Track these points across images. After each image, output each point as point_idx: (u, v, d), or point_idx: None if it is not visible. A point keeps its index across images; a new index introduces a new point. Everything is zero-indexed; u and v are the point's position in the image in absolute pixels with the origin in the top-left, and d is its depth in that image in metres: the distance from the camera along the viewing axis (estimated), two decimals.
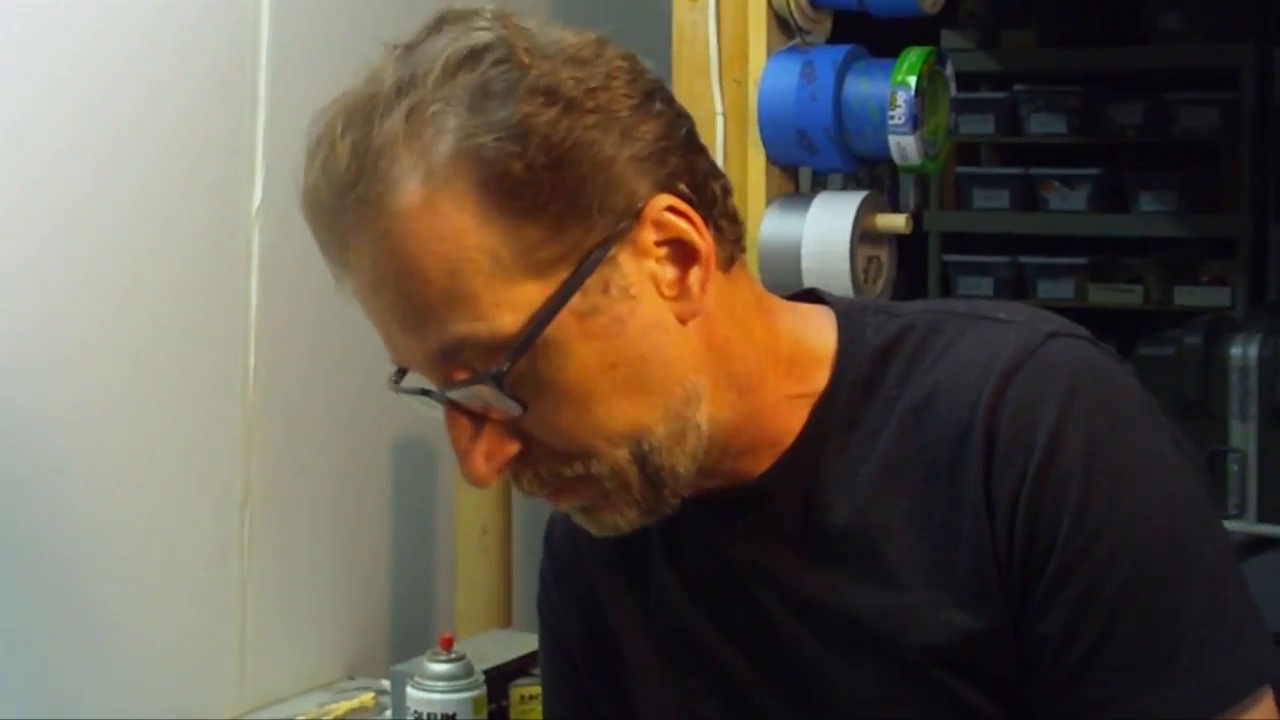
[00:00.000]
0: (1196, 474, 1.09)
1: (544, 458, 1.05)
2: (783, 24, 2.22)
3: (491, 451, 1.04)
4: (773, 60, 2.20)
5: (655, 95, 1.07)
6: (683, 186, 1.06)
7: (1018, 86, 4.92)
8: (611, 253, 1.03)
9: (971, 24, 4.90)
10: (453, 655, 1.88)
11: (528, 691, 2.08)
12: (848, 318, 1.15)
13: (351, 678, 2.47)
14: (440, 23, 1.06)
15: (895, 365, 1.11)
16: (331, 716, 2.27)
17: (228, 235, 2.28)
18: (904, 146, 2.12)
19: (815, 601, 1.12)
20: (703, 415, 1.07)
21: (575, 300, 1.02)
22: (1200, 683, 1.02)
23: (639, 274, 1.04)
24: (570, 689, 1.28)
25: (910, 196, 4.74)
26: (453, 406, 1.04)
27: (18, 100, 1.97)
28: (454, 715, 1.84)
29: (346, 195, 1.03)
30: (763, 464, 1.13)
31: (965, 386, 1.07)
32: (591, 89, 1.03)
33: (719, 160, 2.19)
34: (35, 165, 2.00)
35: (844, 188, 2.28)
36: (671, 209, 1.05)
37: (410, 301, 1.02)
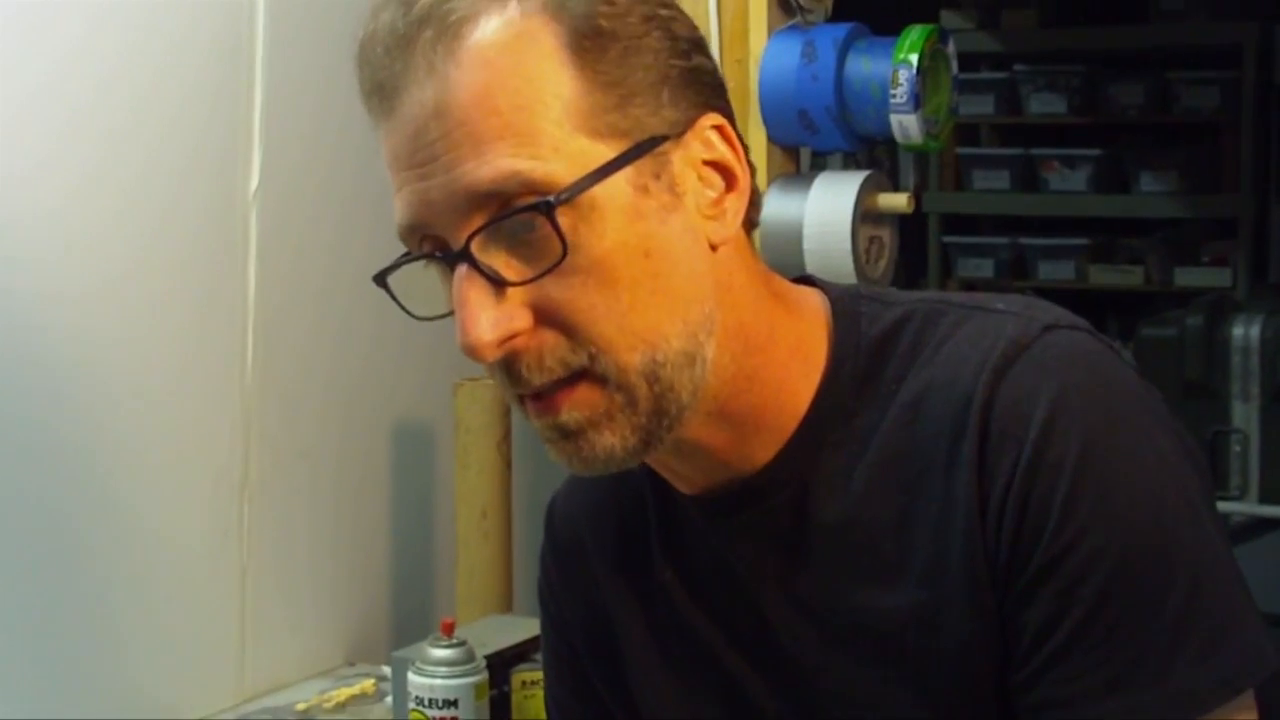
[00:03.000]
0: (1193, 470, 1.06)
1: (552, 344, 1.01)
2: (783, 3, 2.20)
3: (499, 319, 1.01)
4: (773, 39, 2.19)
5: (701, 44, 1.09)
6: (730, 118, 1.08)
7: (1018, 66, 4.90)
8: (666, 147, 1.03)
9: (972, 4, 4.88)
10: (454, 640, 1.87)
11: (529, 677, 2.07)
12: (842, 305, 1.13)
13: (352, 664, 2.47)
14: None
15: (894, 358, 1.10)
16: (332, 703, 2.26)
17: (225, 218, 2.27)
18: (906, 125, 2.11)
19: (812, 600, 1.11)
20: (711, 349, 1.05)
21: (624, 175, 1.01)
22: (1166, 689, 1.00)
23: (684, 179, 1.05)
24: (571, 673, 1.27)
25: (910, 177, 4.72)
26: (472, 266, 1.01)
27: (18, 85, 1.97)
28: (455, 701, 1.83)
29: (425, 25, 1.01)
30: (760, 456, 1.10)
31: (960, 381, 1.06)
32: (661, 10, 1.06)
33: None
34: (35, 149, 1.99)
35: (844, 168, 2.26)
36: (721, 130, 1.06)
37: (471, 129, 1.00)
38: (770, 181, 2.19)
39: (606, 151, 1.01)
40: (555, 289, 1.00)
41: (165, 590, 2.20)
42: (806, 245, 2.11)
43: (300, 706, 2.26)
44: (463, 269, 1.01)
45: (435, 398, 2.54)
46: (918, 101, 2.10)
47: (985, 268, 4.97)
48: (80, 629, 2.08)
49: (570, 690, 1.27)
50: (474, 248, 1.00)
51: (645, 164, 1.02)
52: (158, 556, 2.19)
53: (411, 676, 1.86)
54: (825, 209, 2.12)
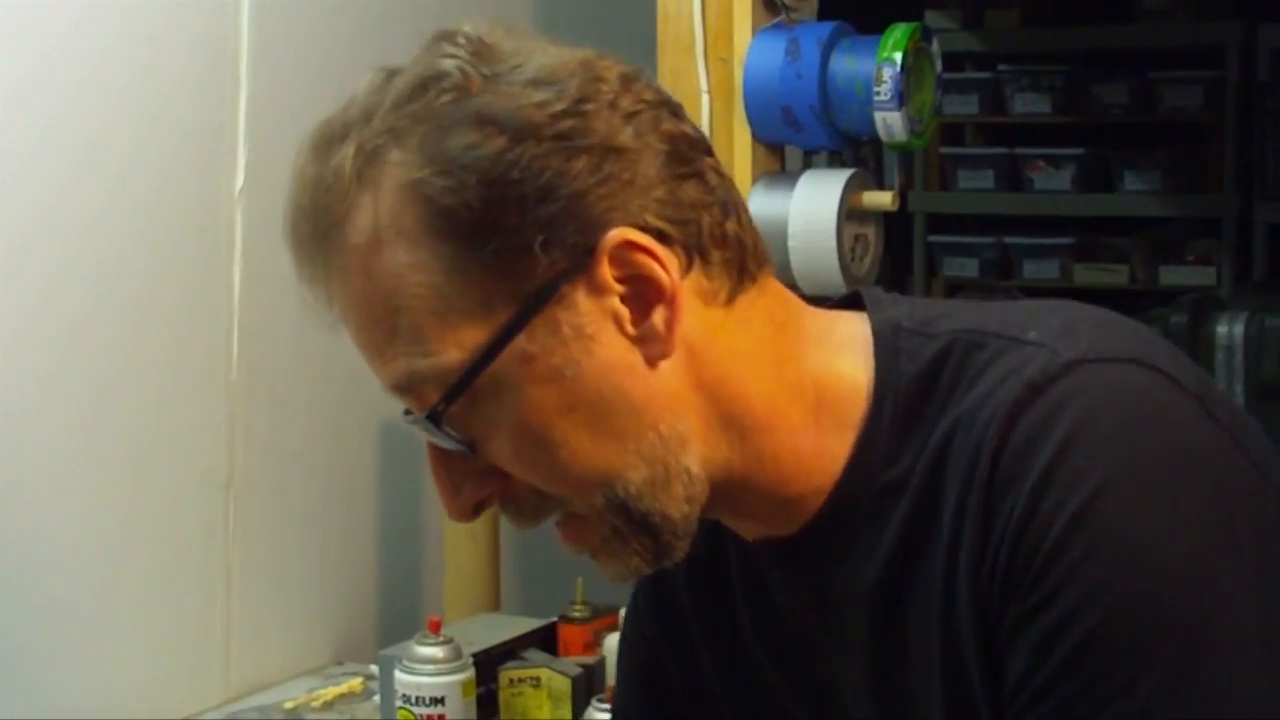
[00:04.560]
0: (1234, 539, 0.95)
1: (526, 503, 1.01)
2: (768, 1, 2.21)
3: (459, 487, 1.01)
4: (758, 38, 2.19)
5: (639, 117, 1.00)
6: (652, 219, 0.99)
7: (1002, 66, 4.91)
8: (563, 291, 0.97)
9: (956, 3, 4.89)
10: (441, 638, 1.87)
11: (516, 675, 2.08)
12: (883, 342, 1.05)
13: (340, 663, 2.47)
14: (428, 44, 1.02)
15: (934, 398, 1.03)
16: (320, 701, 2.27)
17: (210, 219, 2.27)
18: (890, 123, 2.11)
19: (860, 667, 1.08)
20: (692, 459, 1.01)
21: (521, 341, 0.97)
22: None
23: (597, 313, 0.98)
24: (654, 687, 1.23)
25: (895, 177, 4.73)
26: (429, 440, 1.02)
27: (0, 84, 1.97)
28: (442, 698, 1.83)
29: (310, 228, 1.01)
30: (801, 517, 1.06)
31: (978, 425, 0.98)
32: (555, 114, 0.97)
33: None
34: (17, 150, 1.99)
35: (829, 166, 2.26)
36: (632, 244, 0.98)
37: (366, 335, 1.01)
38: (755, 180, 2.20)
39: (491, 327, 0.97)
40: (499, 458, 1.00)
41: (151, 590, 2.20)
42: (791, 243, 2.12)
43: (288, 705, 2.26)
44: (425, 441, 1.02)
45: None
46: (902, 99, 2.10)
47: (970, 267, 4.98)
48: (66, 630, 2.08)
49: (644, 695, 1.25)
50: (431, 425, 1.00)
51: (540, 321, 0.97)
52: (144, 556, 2.18)
53: (398, 674, 1.87)
54: (810, 207, 2.12)
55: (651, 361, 1.00)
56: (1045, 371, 0.97)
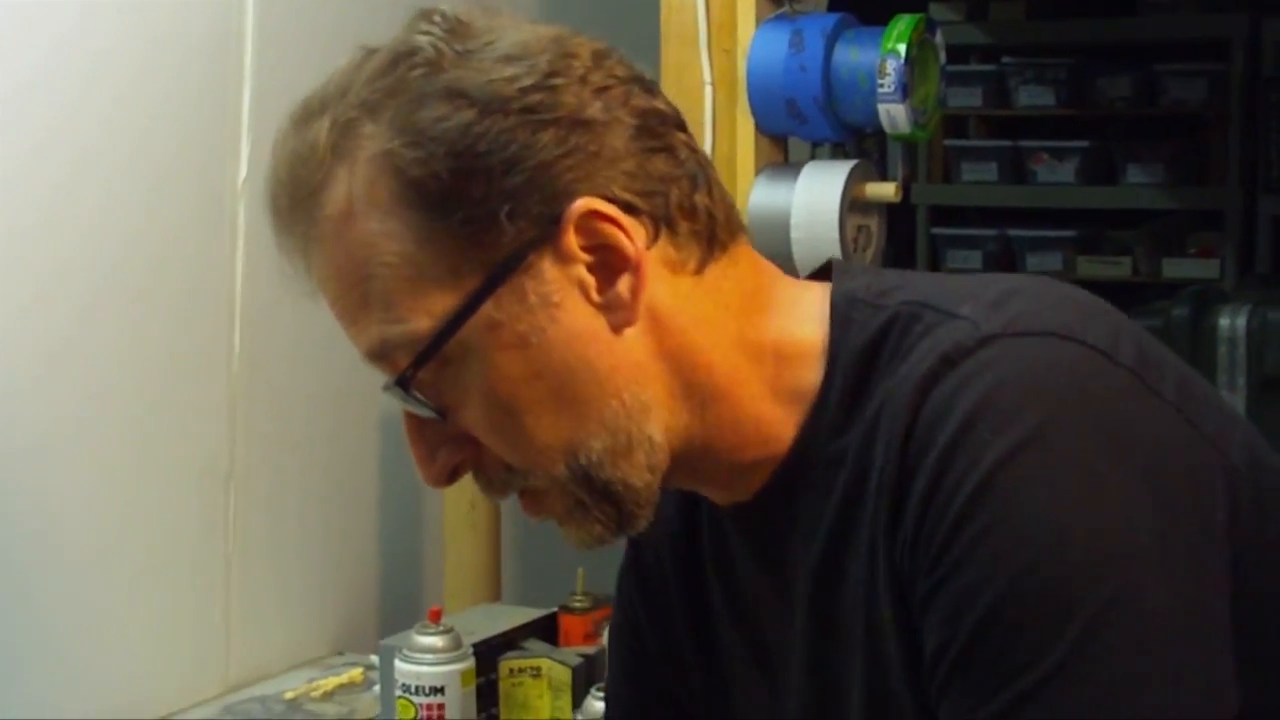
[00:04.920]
0: (1157, 516, 0.93)
1: (496, 472, 1.04)
2: None
3: (434, 453, 1.04)
4: (761, 29, 2.19)
5: (609, 92, 1.02)
6: (619, 190, 1.01)
7: (1006, 59, 4.90)
8: (530, 260, 1.00)
9: None
10: (441, 628, 1.87)
11: (516, 665, 2.08)
12: (839, 313, 1.06)
13: (340, 653, 2.47)
14: (407, 23, 1.05)
15: (877, 370, 1.03)
16: (320, 692, 2.27)
17: (213, 210, 2.27)
18: (894, 115, 2.11)
19: (800, 638, 1.09)
20: (654, 427, 1.03)
21: (488, 308, 0.99)
22: None
23: (563, 281, 1.01)
24: (632, 656, 1.26)
25: (898, 169, 4.73)
26: (404, 407, 1.04)
27: (4, 78, 1.96)
28: (442, 688, 1.83)
29: (287, 200, 1.04)
30: (755, 484, 1.08)
31: (898, 399, 0.99)
32: (524, 87, 1.00)
33: (707, 131, 2.18)
34: (21, 143, 1.99)
35: (832, 158, 2.26)
36: (597, 214, 1.00)
37: (342, 303, 1.03)
38: (758, 171, 2.19)
39: (458, 295, 0.99)
40: (470, 425, 1.02)
41: (151, 580, 2.20)
42: (794, 234, 2.12)
43: (288, 695, 2.27)
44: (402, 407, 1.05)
45: None
46: (906, 91, 2.10)
47: (973, 259, 4.97)
48: (65, 621, 2.08)
49: (628, 674, 1.27)
50: (402, 390, 1.02)
51: (507, 290, 1.00)
52: (143, 546, 2.19)
53: (398, 664, 1.87)
54: (813, 198, 2.12)
55: (616, 329, 1.02)
56: (960, 345, 0.98)
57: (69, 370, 2.06)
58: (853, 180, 2.14)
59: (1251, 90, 4.59)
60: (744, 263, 1.08)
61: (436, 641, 1.86)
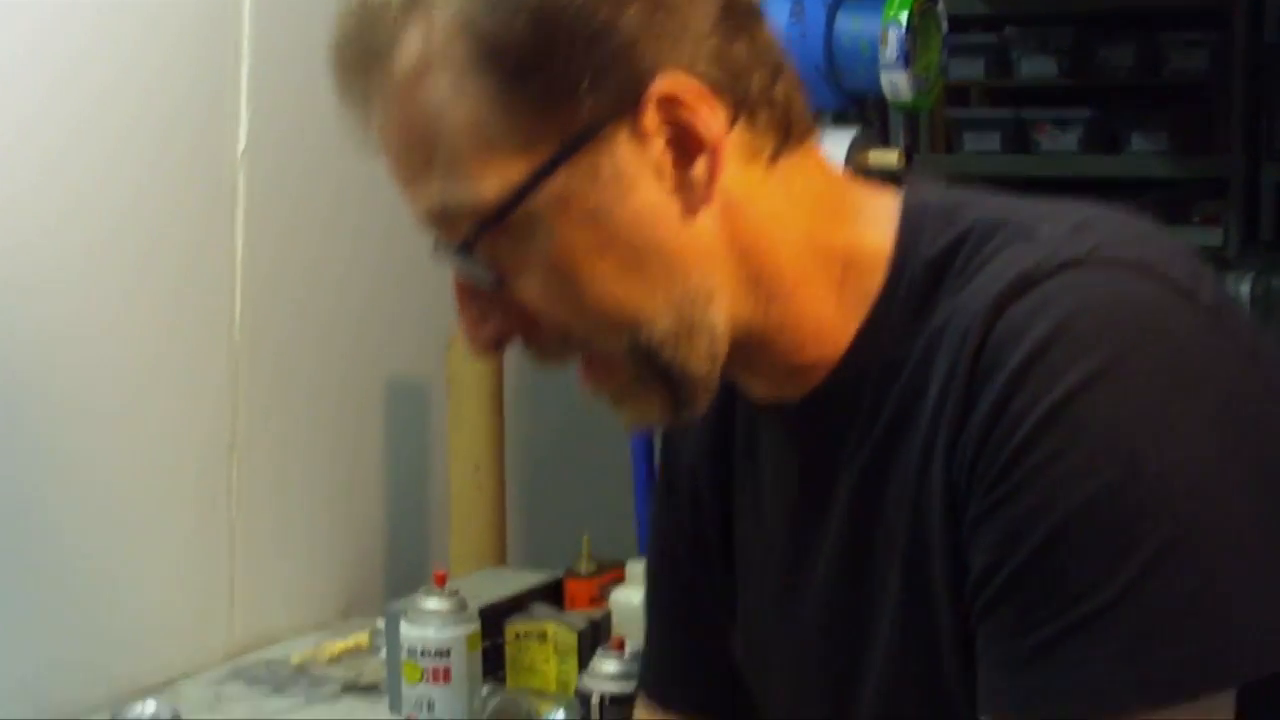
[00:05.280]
0: (1228, 456, 0.92)
1: (549, 341, 1.02)
2: None
3: (484, 321, 1.02)
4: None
5: None
6: (701, 70, 0.98)
7: (1008, 28, 4.90)
8: (605, 134, 0.97)
9: None
10: (447, 591, 1.89)
11: (522, 629, 2.09)
12: (910, 222, 1.04)
13: (347, 617, 2.48)
14: None
15: (945, 283, 1.01)
16: (326, 655, 2.28)
17: (213, 179, 2.28)
18: (896, 82, 2.12)
19: (832, 546, 1.08)
20: (718, 315, 1.00)
21: (559, 180, 0.97)
22: (1074, 679, 0.90)
23: (638, 159, 0.98)
24: (673, 568, 1.25)
25: (900, 140, 4.73)
26: (458, 272, 1.02)
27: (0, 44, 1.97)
28: (448, 651, 1.85)
29: (357, 54, 1.01)
30: (806, 386, 1.06)
31: (966, 316, 0.97)
32: None
33: None
34: (17, 113, 1.99)
35: (835, 126, 2.26)
36: (677, 93, 0.98)
37: (404, 161, 1.01)
38: None
39: (530, 164, 0.97)
40: (526, 295, 1.00)
41: (153, 546, 2.21)
42: None
43: (295, 660, 2.28)
44: (454, 273, 1.02)
45: (428, 355, 2.55)
46: (907, 59, 2.11)
47: None
48: (70, 590, 2.09)
49: (664, 578, 1.27)
50: (459, 256, 1.00)
51: (579, 162, 0.97)
52: (146, 515, 2.20)
53: (404, 627, 1.88)
54: None
55: (689, 212, 1.00)
56: (1041, 266, 0.95)
57: (67, 339, 2.07)
58: (855, 148, 2.15)
59: (1254, 59, 4.59)
60: (814, 160, 1.06)
61: (442, 605, 1.87)
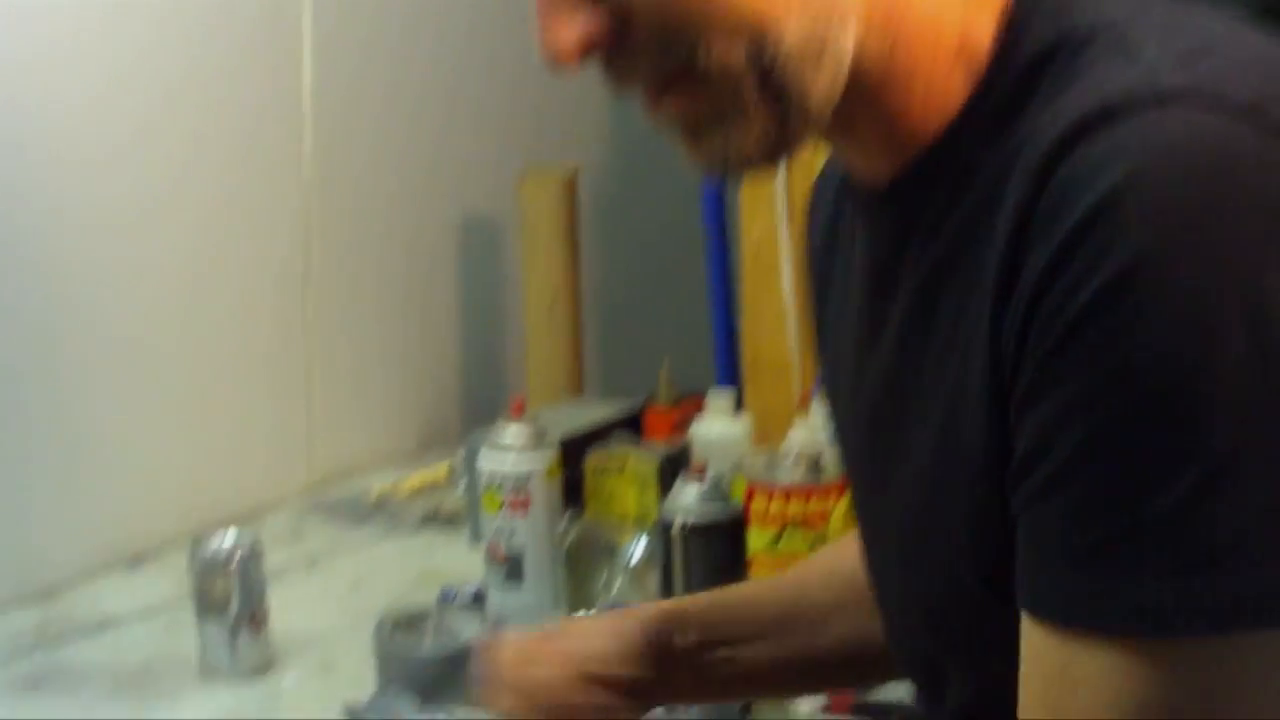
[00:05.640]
0: None
1: (644, 44, 0.89)
2: None
3: (567, 20, 0.89)
4: None
5: None
6: None
7: None
8: None
9: None
10: (525, 421, 1.86)
11: (601, 460, 2.07)
12: (1018, 12, 0.91)
13: (425, 451, 2.48)
14: None
15: (1036, 93, 0.88)
16: (406, 488, 2.28)
17: (281, 14, 2.24)
18: None
19: (885, 356, 1.00)
20: (848, 41, 0.89)
21: None
22: (1123, 591, 0.80)
23: None
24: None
25: None
26: None
27: None
28: (527, 480, 1.83)
29: None
30: (904, 158, 0.95)
31: (1041, 139, 0.83)
32: None
33: None
34: None
35: None
36: None
37: None
38: None
39: None
40: None
41: (231, 381, 2.21)
42: None
43: (374, 492, 2.28)
44: None
45: (502, 189, 2.52)
46: None
47: None
48: (148, 419, 2.10)
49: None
50: None
51: None
52: (221, 349, 2.19)
53: (483, 458, 1.86)
54: None
55: None
56: (1129, 95, 0.81)
57: (139, 174, 2.05)
58: None
59: None
60: None
61: (521, 434, 1.85)
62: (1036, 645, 0.85)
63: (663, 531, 1.72)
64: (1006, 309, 0.84)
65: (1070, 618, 0.83)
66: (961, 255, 0.91)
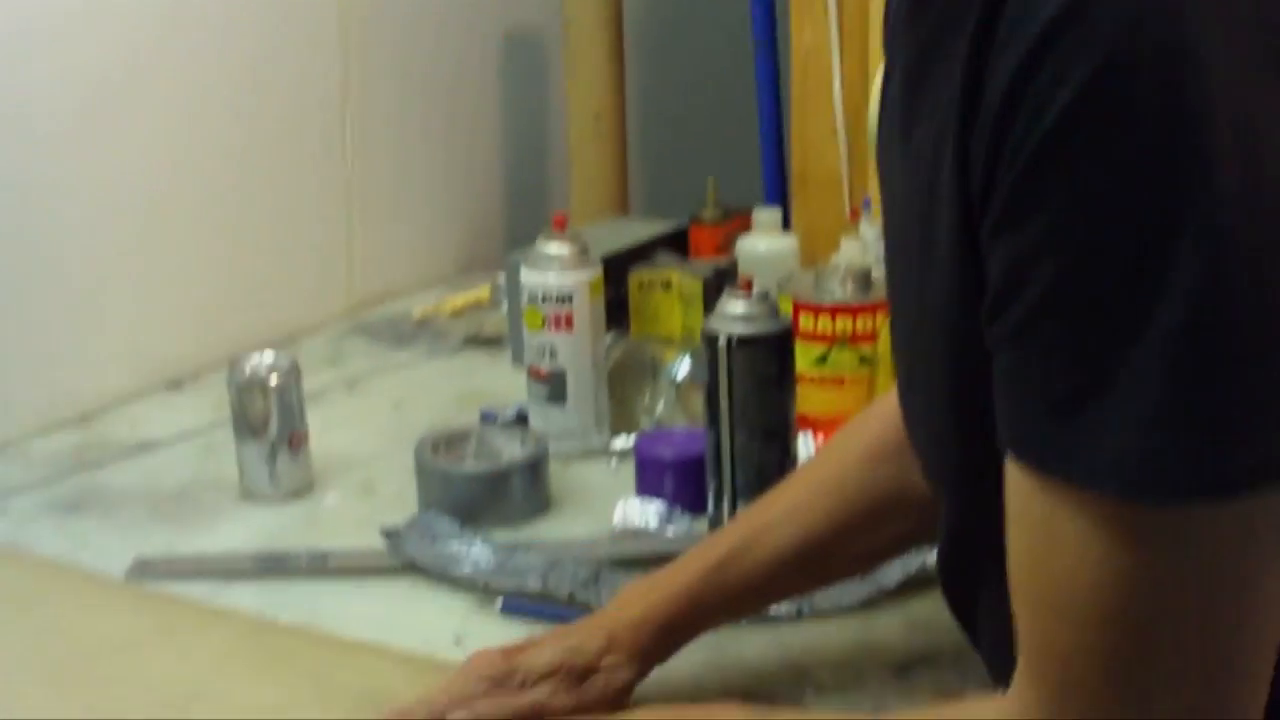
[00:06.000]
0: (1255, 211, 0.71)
1: None
2: None
3: None
4: None
5: None
6: None
7: None
8: None
9: None
10: (567, 236, 1.81)
11: (646, 278, 2.02)
12: None
13: (467, 272, 2.44)
14: None
15: None
16: (449, 308, 2.24)
17: None
18: None
19: (894, 128, 0.96)
20: None
21: None
22: (1096, 450, 0.75)
23: None
24: None
25: None
26: None
27: None
28: (570, 296, 1.78)
29: None
30: None
31: None
32: None
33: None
34: None
35: None
36: None
37: None
38: None
39: None
40: None
41: (271, 203, 2.17)
42: None
43: (416, 313, 2.24)
44: None
45: (546, 2, 2.46)
46: None
47: None
48: (191, 246, 2.06)
49: None
50: None
51: None
52: (263, 171, 2.15)
53: (525, 273, 1.81)
54: None
55: None
56: None
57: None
58: None
59: None
60: None
61: (564, 249, 1.79)
62: (1019, 486, 0.81)
63: (708, 345, 1.68)
64: (972, 137, 0.78)
65: (1047, 467, 0.78)
66: (940, 41, 0.84)
